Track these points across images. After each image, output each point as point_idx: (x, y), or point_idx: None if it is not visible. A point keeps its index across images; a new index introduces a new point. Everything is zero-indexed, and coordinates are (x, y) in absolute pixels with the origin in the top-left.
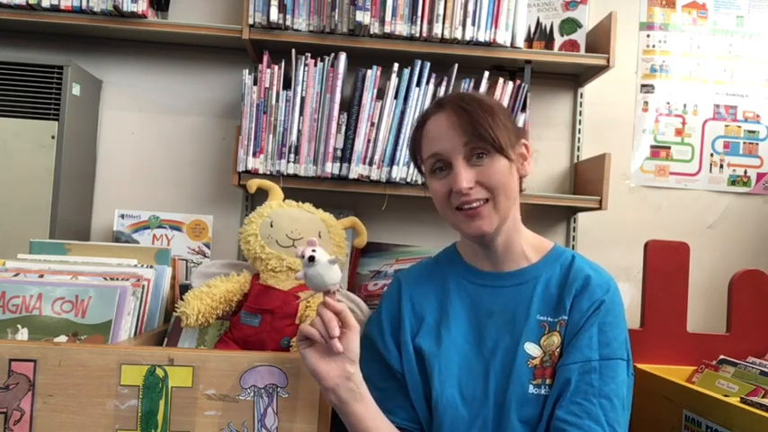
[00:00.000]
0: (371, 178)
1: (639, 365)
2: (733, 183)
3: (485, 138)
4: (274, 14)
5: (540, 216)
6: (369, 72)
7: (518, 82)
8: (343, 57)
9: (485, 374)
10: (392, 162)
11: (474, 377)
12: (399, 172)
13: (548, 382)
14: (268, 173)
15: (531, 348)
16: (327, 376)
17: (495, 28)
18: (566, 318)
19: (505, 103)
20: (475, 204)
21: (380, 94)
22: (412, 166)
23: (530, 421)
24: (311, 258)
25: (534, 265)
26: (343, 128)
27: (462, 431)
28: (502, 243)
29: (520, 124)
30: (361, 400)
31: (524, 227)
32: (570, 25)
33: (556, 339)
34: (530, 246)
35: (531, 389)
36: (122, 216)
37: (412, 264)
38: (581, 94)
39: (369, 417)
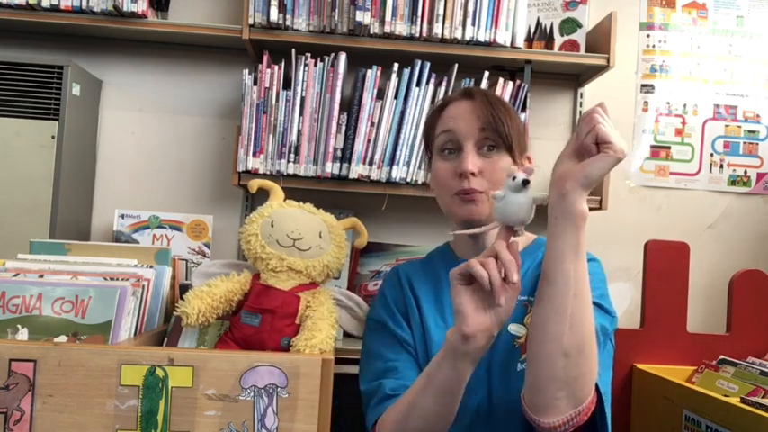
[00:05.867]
0: (371, 178)
1: (639, 365)
2: (733, 183)
3: (499, 131)
4: (274, 14)
5: (540, 216)
6: (369, 72)
7: (518, 82)
8: (343, 57)
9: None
10: (392, 162)
11: None
12: (399, 172)
13: None
14: (268, 173)
15: (516, 328)
16: (472, 322)
17: (495, 28)
18: None
19: None
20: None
21: (380, 94)
22: (412, 165)
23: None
24: (525, 182)
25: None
26: (343, 128)
27: (456, 419)
28: (491, 239)
29: None
30: (474, 365)
31: None
32: (570, 25)
33: None
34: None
35: (519, 366)
36: (122, 216)
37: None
38: (581, 94)
39: (464, 382)
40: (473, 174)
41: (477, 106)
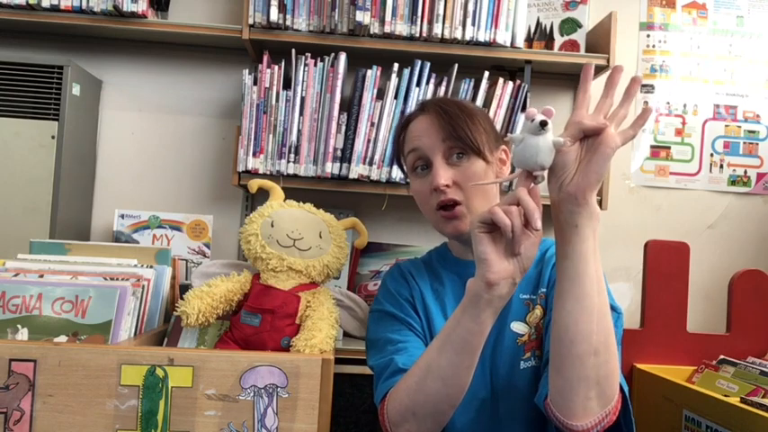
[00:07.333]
0: (371, 178)
1: (639, 365)
2: (733, 183)
3: (462, 138)
4: (274, 14)
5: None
6: (369, 72)
7: (518, 82)
8: (343, 57)
9: (480, 359)
10: (392, 162)
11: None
12: (399, 172)
13: (537, 353)
14: (268, 173)
15: (518, 327)
16: (496, 269)
17: (495, 28)
18: (545, 290)
19: (505, 103)
20: (451, 203)
21: (380, 94)
22: None
23: (526, 397)
24: (543, 124)
25: None
26: (343, 128)
27: (460, 413)
28: None
29: (519, 125)
30: (494, 318)
31: None
32: (570, 25)
33: (539, 312)
34: None
35: (522, 365)
36: (122, 216)
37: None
38: None
39: (484, 337)
40: (447, 186)
41: (434, 118)
